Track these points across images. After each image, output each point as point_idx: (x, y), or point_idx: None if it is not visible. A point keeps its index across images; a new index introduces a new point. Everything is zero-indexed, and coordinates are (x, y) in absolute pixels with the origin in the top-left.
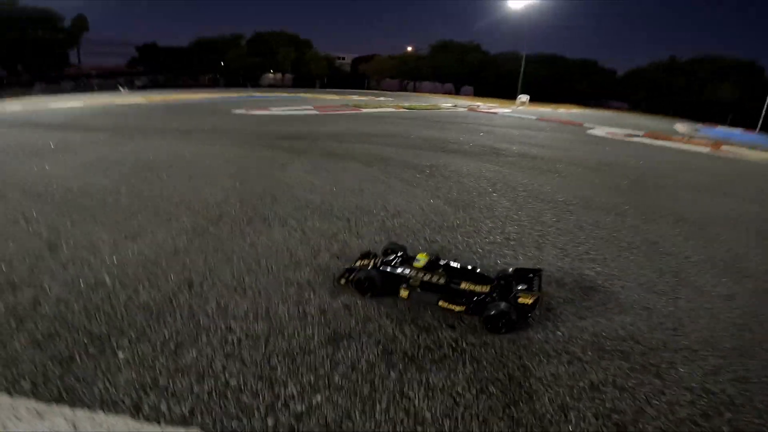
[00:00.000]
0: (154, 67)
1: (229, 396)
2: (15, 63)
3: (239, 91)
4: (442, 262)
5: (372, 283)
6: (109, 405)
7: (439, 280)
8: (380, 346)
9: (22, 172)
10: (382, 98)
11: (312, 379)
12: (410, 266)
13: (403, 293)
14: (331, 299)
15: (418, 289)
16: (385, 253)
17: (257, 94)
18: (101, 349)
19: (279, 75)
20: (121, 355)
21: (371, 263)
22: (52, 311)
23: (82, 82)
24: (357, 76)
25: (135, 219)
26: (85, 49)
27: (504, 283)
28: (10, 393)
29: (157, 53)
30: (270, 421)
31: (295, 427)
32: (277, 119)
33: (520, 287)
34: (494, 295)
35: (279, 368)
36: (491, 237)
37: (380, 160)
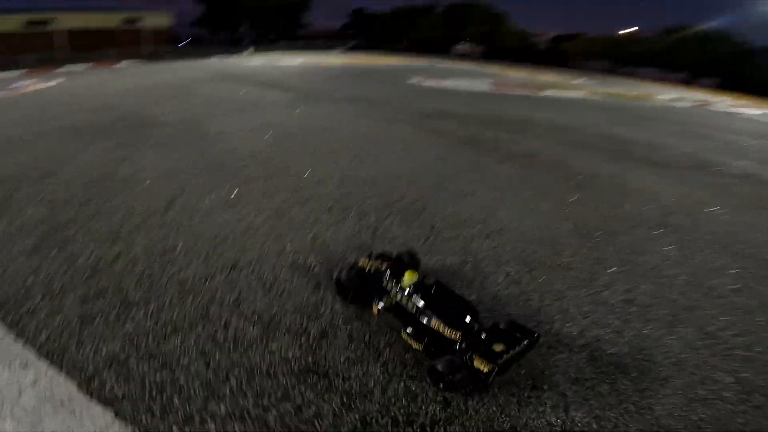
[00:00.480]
0: (361, 31)
1: None
2: (262, 24)
3: (426, 60)
4: (432, 286)
5: (345, 288)
6: None
7: (412, 307)
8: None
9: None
10: (579, 80)
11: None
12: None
13: (374, 310)
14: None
15: (388, 311)
16: (397, 260)
17: (442, 64)
18: None
19: (470, 47)
20: None
21: (368, 266)
22: None
23: (309, 43)
24: (556, 54)
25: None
26: (315, 12)
27: (484, 334)
28: None
29: (364, 18)
30: None
31: None
32: (444, 92)
33: (495, 345)
34: (462, 344)
35: None
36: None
37: (525, 156)
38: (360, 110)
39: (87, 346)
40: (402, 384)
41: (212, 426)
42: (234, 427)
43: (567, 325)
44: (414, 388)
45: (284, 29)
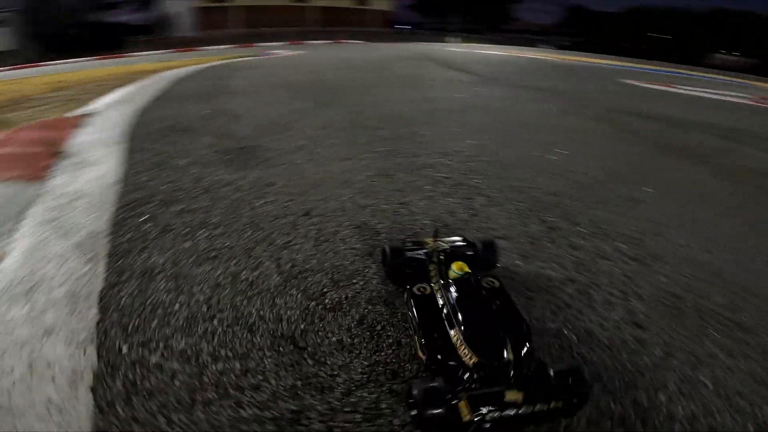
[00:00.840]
0: (579, 30)
1: None
2: (472, 13)
3: (662, 65)
4: (484, 287)
5: (389, 263)
6: None
7: (443, 305)
8: None
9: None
10: None
11: None
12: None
13: (405, 296)
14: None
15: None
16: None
17: (687, 71)
18: None
19: (735, 57)
20: None
21: (430, 246)
22: None
23: (518, 36)
24: None
25: None
26: (527, 6)
27: (513, 371)
28: None
29: (584, 16)
30: None
31: None
32: (669, 96)
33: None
34: (474, 374)
35: None
36: None
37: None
38: (546, 99)
39: (143, 253)
40: (374, 396)
41: (153, 357)
42: (172, 365)
43: None
44: (383, 406)
45: (493, 20)
